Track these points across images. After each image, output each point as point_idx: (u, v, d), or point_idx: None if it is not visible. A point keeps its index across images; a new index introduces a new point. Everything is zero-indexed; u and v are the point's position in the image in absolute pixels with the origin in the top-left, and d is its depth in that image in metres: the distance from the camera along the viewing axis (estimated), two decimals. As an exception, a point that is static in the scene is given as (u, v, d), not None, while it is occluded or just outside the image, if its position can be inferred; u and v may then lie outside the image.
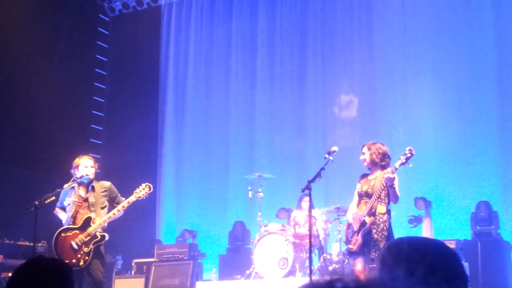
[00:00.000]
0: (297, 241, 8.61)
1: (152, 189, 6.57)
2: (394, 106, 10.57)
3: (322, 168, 6.00)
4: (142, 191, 6.49)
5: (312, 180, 5.96)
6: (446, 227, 9.61)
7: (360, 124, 10.73)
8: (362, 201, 6.11)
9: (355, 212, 6.22)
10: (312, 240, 6.08)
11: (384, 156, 6.11)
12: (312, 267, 6.46)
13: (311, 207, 6.44)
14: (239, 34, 12.26)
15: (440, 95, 10.25)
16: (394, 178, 5.83)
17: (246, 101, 11.91)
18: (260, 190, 9.42)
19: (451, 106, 10.12)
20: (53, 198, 6.50)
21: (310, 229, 6.10)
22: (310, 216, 6.19)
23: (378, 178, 6.05)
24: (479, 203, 9.04)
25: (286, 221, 9.51)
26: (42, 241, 7.92)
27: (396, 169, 5.83)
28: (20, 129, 10.38)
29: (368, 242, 5.91)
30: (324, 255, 8.43)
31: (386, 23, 10.89)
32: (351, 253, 6.18)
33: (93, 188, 6.58)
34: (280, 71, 11.75)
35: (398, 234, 9.53)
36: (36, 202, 6.39)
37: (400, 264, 2.06)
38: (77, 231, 6.43)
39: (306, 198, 8.93)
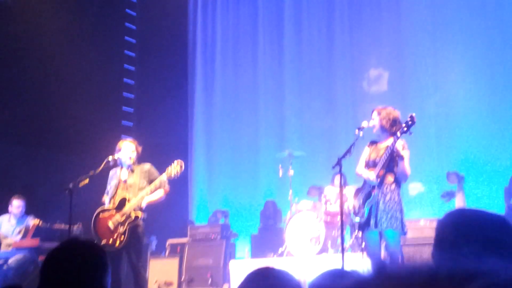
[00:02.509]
0: (329, 218, 8.60)
1: (183, 167, 6.48)
2: (424, 78, 10.42)
3: (353, 144, 5.74)
4: (173, 169, 6.44)
5: (343, 157, 5.73)
6: (480, 202, 9.48)
7: (390, 98, 10.56)
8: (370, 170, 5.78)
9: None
10: (343, 217, 6.01)
11: (395, 122, 5.72)
12: (344, 245, 6.45)
13: (342, 184, 6.37)
14: (266, 11, 12.19)
15: (471, 65, 10.05)
16: (395, 144, 5.48)
17: (274, 79, 11.87)
18: (290, 168, 9.40)
19: (483, 77, 9.93)
20: (87, 180, 6.52)
21: (341, 207, 6.03)
22: (341, 193, 6.09)
23: (388, 146, 5.66)
24: (512, 176, 8.90)
25: (317, 198, 9.49)
26: (78, 223, 8.03)
27: (397, 137, 5.48)
28: (53, 114, 10.51)
29: (374, 213, 5.59)
30: (356, 232, 8.41)
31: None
32: (360, 226, 5.82)
33: (132, 171, 6.64)
34: (307, 47, 11.66)
35: (431, 210, 9.51)
36: (70, 185, 6.42)
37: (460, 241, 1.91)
38: (113, 212, 6.50)
39: (338, 176, 8.89)
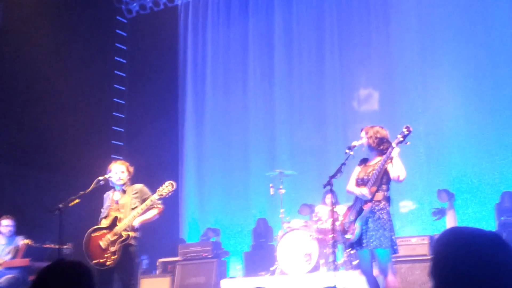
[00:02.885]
0: (321, 236, 8.61)
1: (175, 187, 6.47)
2: (414, 98, 10.51)
3: (343, 164, 5.77)
4: (165, 189, 6.44)
5: (334, 176, 5.79)
6: (471, 219, 9.53)
7: (380, 118, 10.65)
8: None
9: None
10: (335, 235, 6.04)
11: (382, 141, 5.75)
12: (336, 262, 6.45)
13: (334, 203, 6.40)
14: (256, 32, 12.28)
15: (460, 85, 10.16)
16: (391, 155, 5.51)
17: (265, 99, 11.93)
18: (281, 186, 9.43)
19: (472, 96, 10.03)
20: (77, 200, 6.50)
21: (333, 225, 6.06)
22: (332, 211, 6.14)
23: (377, 164, 5.71)
24: (503, 193, 8.97)
25: (308, 217, 9.51)
26: (67, 244, 7.99)
27: (393, 148, 5.51)
28: (43, 133, 10.49)
29: (365, 232, 5.59)
30: (348, 250, 8.41)
31: (403, 15, 10.84)
32: (350, 244, 5.77)
33: (124, 191, 6.65)
34: (298, 67, 11.75)
35: (422, 227, 9.55)
36: (61, 205, 6.41)
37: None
38: (105, 231, 6.49)
39: (330, 195, 8.91)
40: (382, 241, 5.49)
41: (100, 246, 6.44)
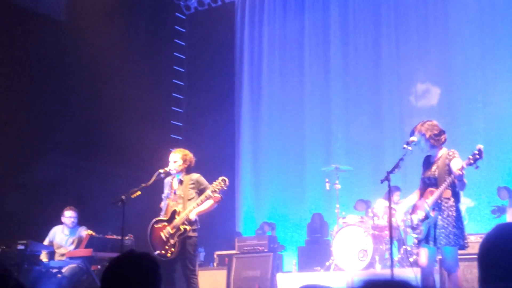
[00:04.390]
0: (376, 232, 8.59)
1: (227, 183, 6.54)
2: (473, 93, 10.29)
3: (401, 159, 5.69)
4: (218, 185, 6.51)
5: (391, 171, 5.70)
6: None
7: (438, 113, 10.48)
8: (428, 189, 5.72)
9: (421, 199, 5.84)
10: (391, 231, 6.00)
11: (440, 134, 5.73)
12: (393, 259, 6.44)
13: (390, 197, 6.37)
14: (312, 26, 12.27)
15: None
16: (463, 174, 5.39)
17: (321, 93, 11.92)
18: (337, 182, 9.44)
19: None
20: (139, 192, 6.67)
21: (389, 221, 6.03)
22: (390, 207, 6.09)
23: (441, 159, 5.69)
24: None
25: (364, 212, 9.49)
26: (129, 235, 8.21)
27: (463, 168, 5.36)
28: (104, 127, 10.79)
29: (433, 228, 5.56)
30: (404, 246, 8.38)
31: (462, 7, 10.61)
32: (418, 242, 5.80)
33: (181, 181, 6.80)
34: (354, 61, 11.68)
35: (482, 225, 9.36)
36: (123, 197, 6.57)
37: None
38: (166, 223, 6.68)
39: (397, 193, 8.87)
40: (451, 238, 5.47)
41: (161, 238, 6.63)
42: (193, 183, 6.76)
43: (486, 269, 2.06)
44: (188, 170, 6.84)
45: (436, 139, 5.75)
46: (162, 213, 6.87)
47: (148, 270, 2.63)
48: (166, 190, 6.88)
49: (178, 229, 6.56)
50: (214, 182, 6.57)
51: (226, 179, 6.55)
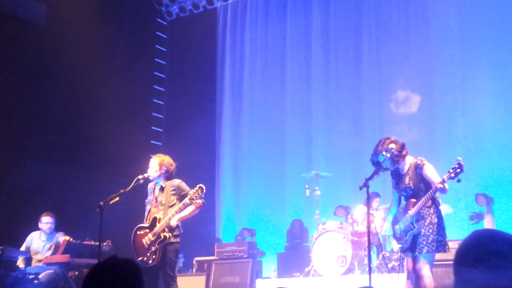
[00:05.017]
0: (356, 238, 8.61)
1: (204, 190, 6.49)
2: (453, 100, 10.38)
3: (380, 166, 5.72)
4: (195, 193, 6.45)
5: (370, 178, 5.71)
6: (509, 223, 9.38)
7: (418, 120, 10.58)
8: (410, 200, 5.71)
9: (400, 210, 5.89)
10: (370, 237, 6.01)
11: (402, 148, 5.76)
12: (371, 265, 6.45)
13: (369, 204, 6.38)
14: (294, 33, 12.31)
15: (500, 88, 10.00)
16: (445, 188, 5.39)
17: (302, 100, 11.95)
18: (317, 188, 9.46)
19: (511, 98, 9.87)
20: (117, 198, 6.60)
21: (368, 227, 6.05)
22: (368, 213, 6.09)
23: (411, 169, 5.71)
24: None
25: (343, 218, 9.51)
26: (107, 241, 8.15)
27: (444, 181, 5.37)
28: (83, 133, 10.73)
29: (417, 238, 5.60)
30: (383, 252, 8.41)
31: (442, 16, 10.71)
32: (403, 250, 5.82)
33: (162, 188, 6.76)
34: (335, 68, 11.73)
35: (459, 231, 9.42)
36: (101, 203, 6.52)
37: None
38: (147, 230, 6.64)
39: (376, 199, 8.92)
40: (433, 245, 5.50)
41: (143, 244, 6.60)
42: (174, 189, 6.72)
43: (461, 274, 2.08)
44: (169, 176, 6.80)
45: (402, 155, 5.78)
46: (145, 220, 6.83)
47: (131, 276, 2.59)
48: (149, 196, 6.84)
49: (159, 236, 6.53)
50: (191, 190, 6.54)
51: (203, 187, 6.49)
